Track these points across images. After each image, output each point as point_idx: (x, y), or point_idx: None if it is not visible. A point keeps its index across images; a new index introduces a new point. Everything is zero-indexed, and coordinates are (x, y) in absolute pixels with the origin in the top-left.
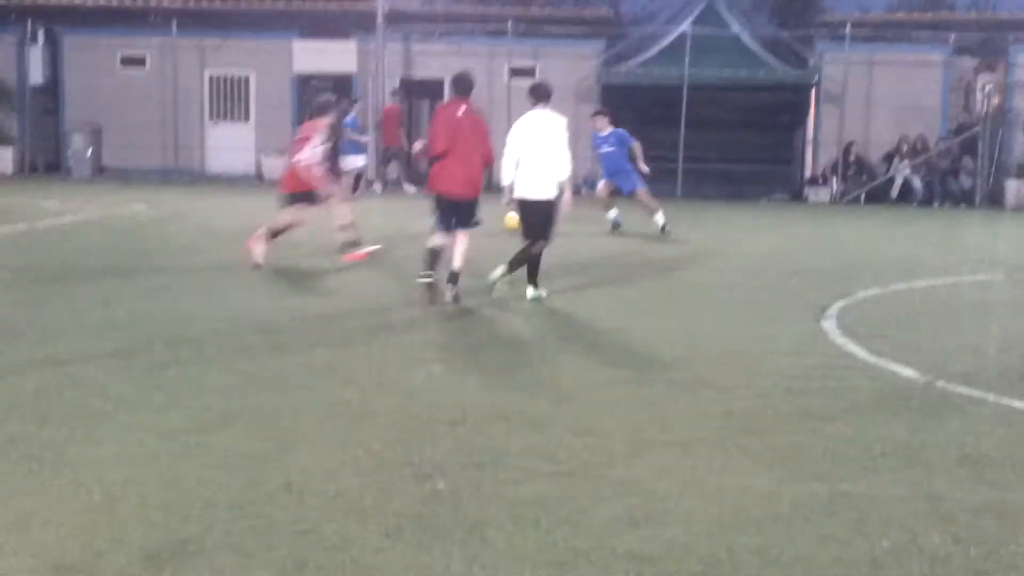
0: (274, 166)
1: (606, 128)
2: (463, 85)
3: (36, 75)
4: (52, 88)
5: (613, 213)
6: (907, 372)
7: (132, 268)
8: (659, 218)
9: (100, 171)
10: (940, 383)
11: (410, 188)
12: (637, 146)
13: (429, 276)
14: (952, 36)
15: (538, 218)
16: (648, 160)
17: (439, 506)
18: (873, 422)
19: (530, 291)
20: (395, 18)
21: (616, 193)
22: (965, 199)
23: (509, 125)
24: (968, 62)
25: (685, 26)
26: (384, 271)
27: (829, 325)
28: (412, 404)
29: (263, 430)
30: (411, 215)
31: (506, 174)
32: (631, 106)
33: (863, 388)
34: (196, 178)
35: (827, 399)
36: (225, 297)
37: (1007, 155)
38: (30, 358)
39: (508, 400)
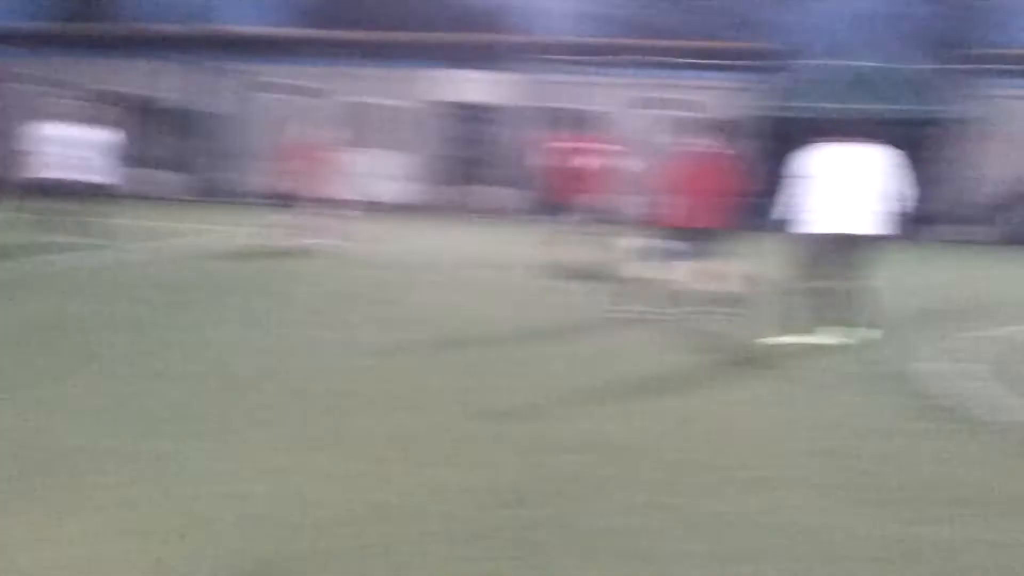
0: None
1: None
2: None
3: (201, 103)
4: (221, 115)
5: None
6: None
7: (271, 294)
8: None
9: (267, 196)
10: None
11: None
12: None
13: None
14: None
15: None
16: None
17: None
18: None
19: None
20: (536, 49)
21: None
22: None
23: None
24: None
25: (834, 60)
26: None
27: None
28: (511, 430)
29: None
30: None
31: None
32: (777, 138)
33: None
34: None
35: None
36: None
37: None
38: None
39: (593, 428)
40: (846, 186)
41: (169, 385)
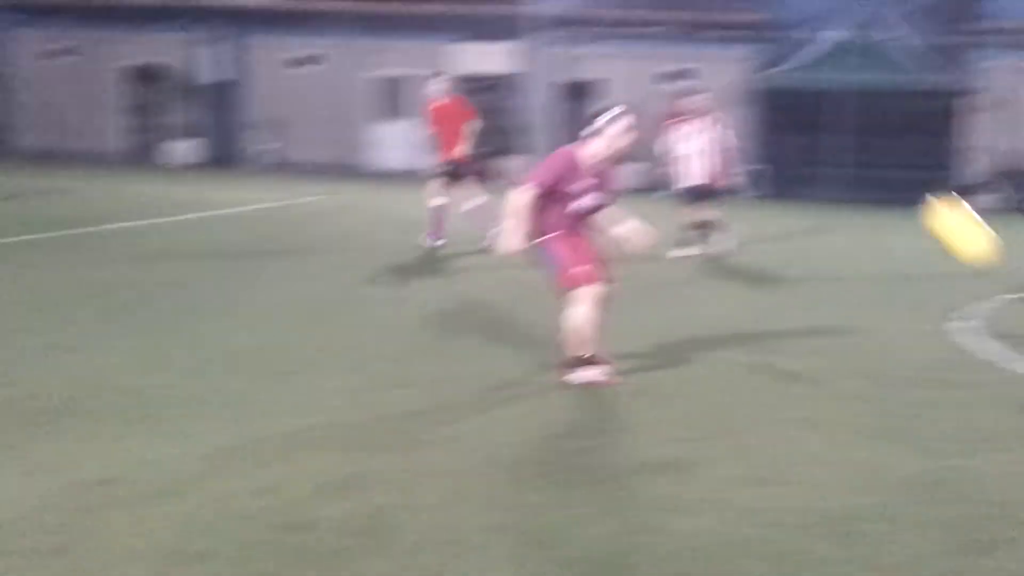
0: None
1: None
2: None
3: (210, 73)
4: (229, 86)
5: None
6: None
7: (305, 252)
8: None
9: (276, 165)
10: None
11: None
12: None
13: None
14: None
15: None
16: (805, 164)
17: (582, 459)
18: (987, 412)
19: None
20: (552, 22)
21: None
22: None
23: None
24: None
25: (841, 31)
26: None
27: (962, 324)
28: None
29: None
30: None
31: None
32: (782, 111)
33: (984, 381)
34: (362, 173)
35: (946, 389)
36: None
37: None
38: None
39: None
40: None
41: None
